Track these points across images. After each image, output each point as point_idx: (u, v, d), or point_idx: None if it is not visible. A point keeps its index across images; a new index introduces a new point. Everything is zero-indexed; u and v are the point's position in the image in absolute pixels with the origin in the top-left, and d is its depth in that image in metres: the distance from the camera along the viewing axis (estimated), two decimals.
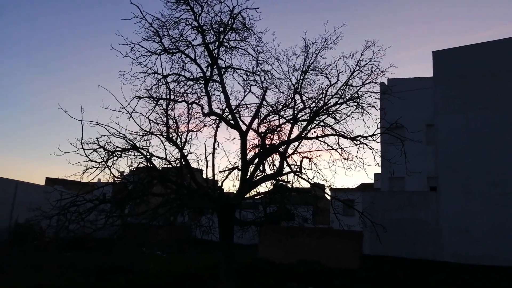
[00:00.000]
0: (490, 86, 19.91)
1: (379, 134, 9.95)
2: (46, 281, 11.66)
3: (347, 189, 11.05)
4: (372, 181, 27.26)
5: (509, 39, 20.07)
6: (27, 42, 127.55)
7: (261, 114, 10.54)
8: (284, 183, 10.85)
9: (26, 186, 26.32)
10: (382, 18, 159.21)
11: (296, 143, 10.47)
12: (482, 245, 18.52)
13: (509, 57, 19.83)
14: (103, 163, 8.90)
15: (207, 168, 10.20)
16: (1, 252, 18.77)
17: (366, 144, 9.96)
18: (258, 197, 10.93)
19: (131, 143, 9.27)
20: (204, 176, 10.65)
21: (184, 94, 10.42)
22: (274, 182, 10.98)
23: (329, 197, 10.84)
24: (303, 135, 10.21)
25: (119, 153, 9.15)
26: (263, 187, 10.85)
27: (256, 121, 10.36)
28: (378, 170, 25.56)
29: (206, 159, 10.17)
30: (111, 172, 9.01)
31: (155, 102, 10.04)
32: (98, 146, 8.87)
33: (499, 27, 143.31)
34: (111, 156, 9.04)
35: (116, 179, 9.50)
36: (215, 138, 10.35)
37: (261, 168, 10.31)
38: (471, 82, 20.35)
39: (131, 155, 9.40)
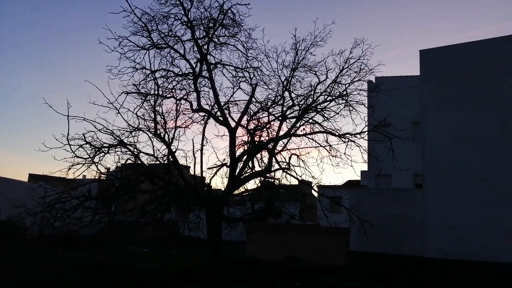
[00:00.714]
0: (477, 85, 20.19)
1: (367, 132, 10.02)
2: (37, 279, 11.41)
3: (334, 186, 11.14)
4: (359, 178, 27.47)
5: (495, 38, 20.41)
6: (12, 37, 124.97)
7: (250, 111, 10.52)
8: (272, 180, 10.86)
9: (8, 182, 25.82)
10: (370, 17, 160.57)
11: (285, 140, 10.49)
12: (468, 241, 18.86)
13: (496, 57, 20.15)
14: (90, 159, 8.77)
15: (195, 164, 10.14)
16: None
17: (354, 142, 10.04)
18: (246, 193, 10.92)
19: (119, 139, 9.15)
20: (192, 173, 10.57)
21: (173, 90, 10.32)
22: (262, 178, 10.99)
23: (316, 194, 10.89)
24: (291, 132, 10.22)
25: (106, 149, 9.03)
26: (251, 184, 10.86)
27: (245, 117, 10.35)
28: (364, 167, 25.79)
29: (194, 156, 10.11)
30: (97, 168, 8.90)
31: (143, 98, 9.91)
32: (85, 142, 8.73)
33: (488, 27, 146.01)
34: (98, 152, 8.91)
35: (102, 175, 9.38)
36: (203, 135, 10.29)
37: (249, 165, 10.29)
38: (458, 81, 20.63)
39: (118, 151, 9.29)
